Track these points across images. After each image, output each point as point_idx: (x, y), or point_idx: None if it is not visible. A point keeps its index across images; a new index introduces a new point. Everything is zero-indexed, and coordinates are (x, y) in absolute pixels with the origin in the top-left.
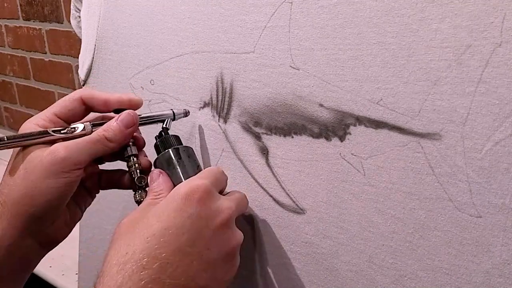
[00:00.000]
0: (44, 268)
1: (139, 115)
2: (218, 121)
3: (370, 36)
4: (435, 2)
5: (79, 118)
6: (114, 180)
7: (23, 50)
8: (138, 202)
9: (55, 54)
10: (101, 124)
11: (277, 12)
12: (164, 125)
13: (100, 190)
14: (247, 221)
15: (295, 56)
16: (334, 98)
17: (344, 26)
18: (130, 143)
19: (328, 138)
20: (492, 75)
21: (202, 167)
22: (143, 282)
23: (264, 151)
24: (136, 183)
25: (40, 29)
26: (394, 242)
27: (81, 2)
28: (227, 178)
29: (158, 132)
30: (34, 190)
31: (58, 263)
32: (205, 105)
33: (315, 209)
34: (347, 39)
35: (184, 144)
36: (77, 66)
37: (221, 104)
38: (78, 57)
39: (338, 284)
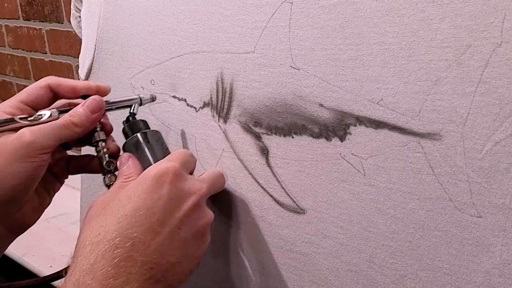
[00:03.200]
0: (45, 268)
1: (106, 101)
2: (218, 121)
3: (370, 36)
4: (435, 2)
5: (46, 105)
6: (83, 165)
7: (23, 50)
8: (108, 186)
9: (55, 54)
10: (68, 111)
11: (277, 12)
12: (131, 110)
13: (68, 176)
14: (247, 221)
15: (295, 56)
16: (334, 98)
17: (344, 26)
18: (98, 129)
19: (328, 138)
20: (492, 75)
21: (205, 170)
22: (116, 260)
23: (264, 151)
24: (105, 167)
25: (40, 29)
26: (394, 242)
27: (82, 2)
28: (196, 160)
29: (125, 118)
30: (1, 175)
31: (58, 263)
32: (205, 105)
33: (315, 209)
34: (347, 39)
35: (155, 129)
36: (77, 66)
37: (221, 104)
38: (78, 57)
39: (338, 284)
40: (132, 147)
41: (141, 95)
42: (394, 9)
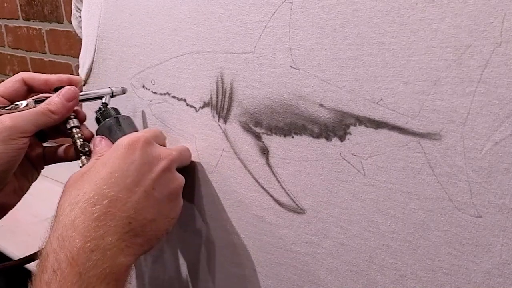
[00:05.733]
0: None
1: (79, 93)
2: (218, 121)
3: (370, 36)
4: (435, 2)
5: (21, 98)
6: (57, 155)
7: (23, 50)
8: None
9: (55, 54)
10: (44, 101)
11: (277, 12)
12: (103, 101)
13: (45, 166)
14: (247, 221)
15: (295, 56)
16: (334, 98)
17: (344, 26)
18: (72, 116)
19: (328, 138)
20: (492, 75)
21: (203, 167)
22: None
23: (264, 151)
24: (80, 150)
25: (40, 29)
26: (394, 242)
27: (82, 2)
28: (165, 137)
29: (98, 108)
30: None
31: None
32: (205, 105)
33: (315, 209)
34: (347, 39)
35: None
36: (77, 66)
37: (221, 104)
38: (78, 57)
39: (338, 284)
40: (105, 131)
41: (112, 88)
42: (394, 9)
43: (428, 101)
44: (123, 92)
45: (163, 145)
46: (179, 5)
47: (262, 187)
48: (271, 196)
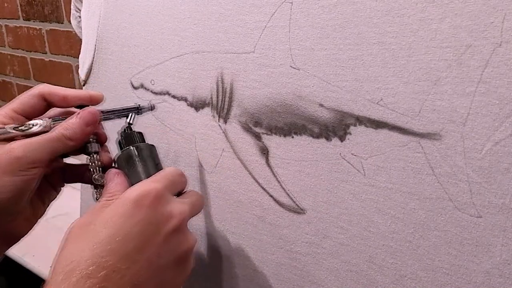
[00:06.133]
0: (45, 268)
1: (103, 110)
2: (218, 121)
3: (370, 36)
4: (435, 2)
5: (39, 114)
6: (78, 175)
7: (23, 50)
8: (97, 200)
9: (55, 54)
10: (62, 120)
11: (277, 12)
12: (128, 120)
13: (65, 184)
14: (247, 221)
15: (295, 56)
16: (334, 98)
17: (344, 26)
18: (92, 140)
19: (328, 138)
20: (492, 75)
21: (203, 167)
22: None
23: (264, 151)
24: (94, 182)
25: (40, 29)
26: (394, 242)
27: (82, 2)
28: (186, 179)
29: (122, 128)
30: None
31: None
32: (205, 105)
33: (315, 209)
34: (347, 39)
35: (150, 143)
36: (77, 66)
37: (221, 104)
38: (78, 57)
39: (338, 284)
40: (124, 161)
41: (140, 104)
42: (394, 9)
43: (428, 101)
44: (151, 108)
45: (182, 190)
46: (179, 5)
47: (262, 187)
48: (271, 196)
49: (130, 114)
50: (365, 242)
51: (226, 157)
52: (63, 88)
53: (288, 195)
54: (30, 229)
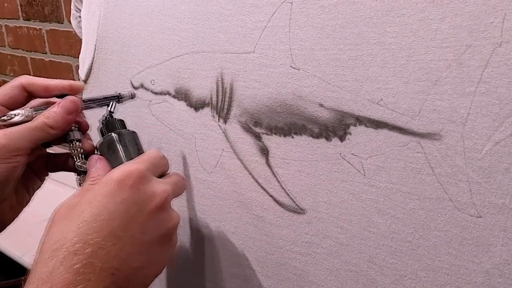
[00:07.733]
0: None
1: (84, 99)
2: (218, 121)
3: (370, 36)
4: (435, 2)
5: (21, 104)
6: (61, 163)
7: (23, 50)
8: (81, 186)
9: (55, 54)
10: (44, 109)
11: (277, 12)
12: (109, 109)
13: (48, 173)
14: (247, 221)
15: (295, 56)
16: (334, 98)
17: (344, 26)
18: (74, 128)
19: (328, 138)
20: (492, 75)
21: (203, 167)
22: (75, 266)
23: (264, 151)
24: (77, 168)
25: (40, 29)
26: (394, 242)
27: (82, 2)
28: (168, 161)
29: (103, 116)
30: None
31: None
32: (205, 105)
33: (315, 209)
34: (347, 39)
35: (131, 130)
36: (78, 66)
37: (221, 104)
38: (78, 57)
39: (338, 284)
40: (105, 147)
41: (120, 92)
42: (394, 9)
43: (428, 101)
44: (132, 97)
45: (164, 172)
46: (179, 5)
47: (262, 187)
48: (271, 196)
49: (111, 103)
50: (365, 242)
51: (226, 157)
52: (44, 78)
53: (288, 195)
54: (16, 217)
